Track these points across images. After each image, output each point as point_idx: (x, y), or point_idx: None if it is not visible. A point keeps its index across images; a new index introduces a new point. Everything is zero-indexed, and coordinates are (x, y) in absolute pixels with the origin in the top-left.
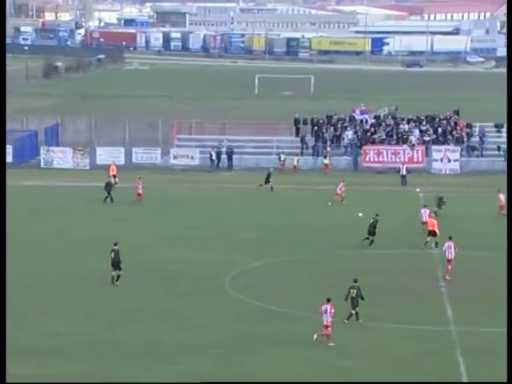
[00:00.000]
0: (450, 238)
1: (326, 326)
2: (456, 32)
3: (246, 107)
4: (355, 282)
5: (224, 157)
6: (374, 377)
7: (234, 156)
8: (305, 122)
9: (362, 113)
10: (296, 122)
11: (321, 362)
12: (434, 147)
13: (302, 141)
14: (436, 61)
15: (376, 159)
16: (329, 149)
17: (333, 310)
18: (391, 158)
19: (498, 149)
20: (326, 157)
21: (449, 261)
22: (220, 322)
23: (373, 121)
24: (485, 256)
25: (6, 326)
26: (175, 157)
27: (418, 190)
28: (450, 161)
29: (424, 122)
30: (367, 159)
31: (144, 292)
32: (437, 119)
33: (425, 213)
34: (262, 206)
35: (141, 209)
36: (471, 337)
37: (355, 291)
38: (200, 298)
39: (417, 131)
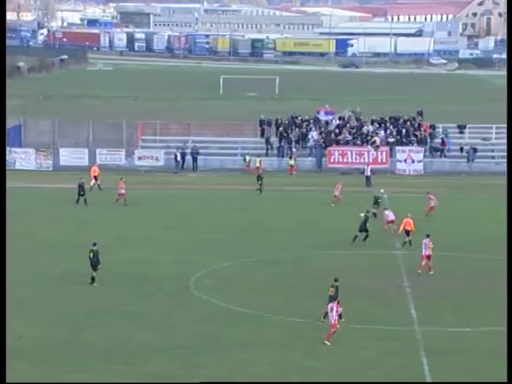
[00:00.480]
0: (428, 236)
1: (333, 325)
2: (419, 34)
3: (210, 108)
4: (335, 280)
5: (189, 158)
6: (338, 377)
7: (199, 157)
8: (269, 123)
9: (326, 114)
10: (261, 122)
11: (286, 363)
12: (397, 148)
13: (267, 142)
14: (400, 62)
15: (341, 160)
16: (294, 150)
17: (340, 309)
18: (356, 159)
19: (461, 150)
20: (291, 158)
21: (427, 257)
22: (185, 323)
23: (337, 122)
24: (448, 256)
25: (5, 326)
26: (140, 158)
27: (382, 190)
28: (413, 162)
29: (388, 124)
30: (332, 160)
31: (109, 294)
32: (401, 120)
33: (389, 213)
34: (227, 207)
35: (105, 210)
36: (435, 337)
37: (333, 290)
38: (165, 299)
39: (381, 132)
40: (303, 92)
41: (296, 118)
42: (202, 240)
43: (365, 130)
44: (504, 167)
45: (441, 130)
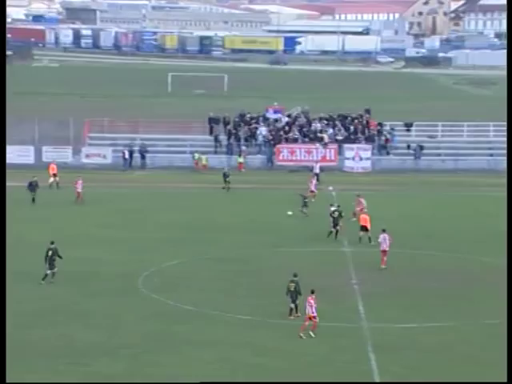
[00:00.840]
0: (384, 231)
1: (309, 318)
2: (366, 32)
3: (159, 106)
4: (295, 276)
5: (137, 156)
6: (287, 375)
7: (147, 155)
8: (218, 121)
9: (275, 112)
10: (210, 120)
11: (235, 361)
12: (346, 146)
13: (216, 139)
14: (347, 60)
15: (289, 158)
16: (243, 147)
17: (312, 301)
18: (304, 157)
19: (408, 147)
20: (240, 155)
21: (384, 252)
22: (133, 321)
23: (286, 119)
24: (395, 253)
25: (5, 326)
26: (87, 155)
27: (330, 188)
28: (361, 159)
29: (336, 121)
30: (281, 157)
31: (56, 293)
32: (349, 118)
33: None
34: (175, 205)
35: (51, 208)
36: (383, 333)
37: (294, 285)
38: (113, 298)
39: (329, 130)
40: (252, 90)
41: (245, 115)
42: (150, 238)
43: (313, 127)
44: (450, 165)
45: (388, 127)
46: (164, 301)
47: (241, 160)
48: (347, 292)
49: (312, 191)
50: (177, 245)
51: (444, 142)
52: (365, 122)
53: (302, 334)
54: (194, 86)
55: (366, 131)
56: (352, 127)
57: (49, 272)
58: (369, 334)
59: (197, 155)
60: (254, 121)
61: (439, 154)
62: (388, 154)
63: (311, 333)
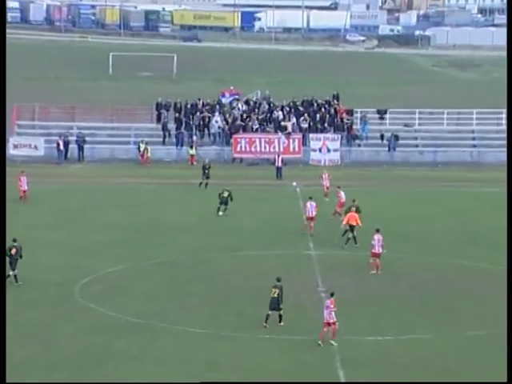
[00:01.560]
0: (378, 231)
1: (328, 324)
2: (334, 7)
3: (99, 90)
4: (278, 280)
5: (73, 146)
6: None
7: (86, 146)
8: (166, 107)
9: (231, 96)
10: (157, 106)
11: (186, 377)
12: (311, 136)
13: (164, 128)
14: (313, 39)
15: (248, 149)
16: (195, 137)
17: (332, 306)
18: (265, 148)
19: (382, 137)
20: (192, 147)
21: (377, 255)
22: (70, 334)
23: (244, 106)
24: (365, 256)
25: (5, 325)
26: (15, 146)
27: (294, 183)
28: (329, 151)
29: (301, 108)
30: (238, 149)
31: None
32: (315, 105)
33: (311, 207)
34: (118, 203)
35: None
36: (353, 346)
37: (277, 291)
38: (48, 308)
39: (293, 118)
40: (205, 72)
41: (197, 102)
42: (89, 241)
43: (275, 115)
44: (428, 157)
45: (359, 115)
46: (104, 312)
47: (192, 152)
48: (313, 300)
49: (327, 187)
50: (120, 248)
51: (422, 132)
52: (333, 109)
53: (320, 343)
54: (139, 68)
55: (335, 119)
56: (318, 115)
57: (11, 273)
58: (337, 347)
59: (142, 146)
60: (207, 107)
61: (416, 145)
62: (359, 145)
63: (332, 341)
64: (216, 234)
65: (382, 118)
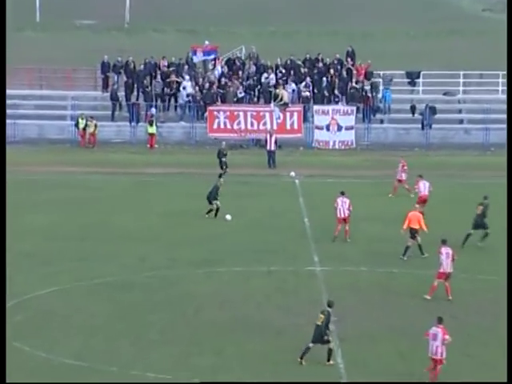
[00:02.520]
0: (445, 242)
1: (435, 360)
2: None
3: (22, 44)
4: (329, 305)
5: None
6: None
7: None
8: (116, 69)
9: (206, 54)
10: (104, 68)
11: None
12: (316, 108)
13: (113, 98)
14: None
15: (228, 126)
16: (154, 110)
17: (446, 337)
18: (252, 125)
19: (413, 110)
20: (151, 123)
21: (446, 276)
22: None
23: (223, 68)
24: (386, 274)
25: (5, 325)
26: None
27: (292, 174)
28: (340, 129)
29: (302, 70)
30: (215, 126)
31: None
32: (321, 65)
33: (344, 205)
34: (49, 200)
35: None
36: None
37: (322, 318)
38: None
39: (291, 84)
40: (169, 20)
41: (159, 61)
42: (10, 253)
43: (266, 80)
44: (477, 136)
45: (381, 80)
46: (32, 352)
47: (152, 130)
48: (303, 331)
49: (400, 180)
50: (53, 262)
51: (468, 102)
52: (346, 70)
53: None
54: (77, 14)
55: (348, 86)
56: (326, 79)
57: None
58: None
59: (83, 122)
60: (172, 69)
61: (461, 121)
62: (382, 121)
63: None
64: (186, 243)
65: (413, 84)
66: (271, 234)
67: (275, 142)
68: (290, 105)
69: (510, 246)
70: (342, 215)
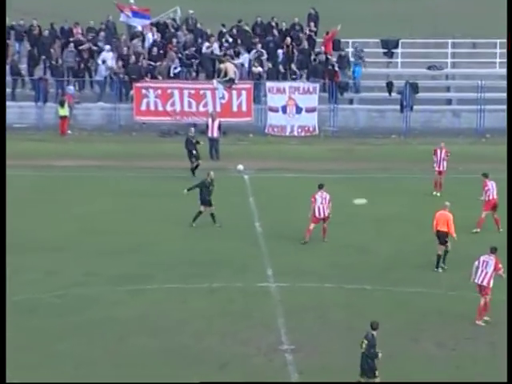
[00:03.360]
0: (494, 251)
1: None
2: None
3: None
4: (373, 327)
5: None
6: None
7: None
8: (19, 36)
9: (136, 16)
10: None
11: None
12: (269, 85)
13: (14, 72)
14: None
15: (160, 108)
16: (71, 88)
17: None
18: (189, 106)
19: (389, 87)
20: (62, 103)
21: (485, 291)
22: None
23: (154, 35)
24: (356, 291)
25: (5, 325)
26: None
27: (240, 167)
28: (300, 111)
29: (252, 38)
30: (143, 108)
31: None
32: (275, 31)
33: (324, 201)
34: None
35: None
36: None
37: (365, 343)
38: None
39: (240, 56)
40: None
41: (71, 26)
42: None
43: (206, 50)
44: (470, 120)
45: (350, 50)
46: None
47: (64, 112)
48: (273, 368)
49: (440, 171)
50: None
51: (458, 78)
52: (306, 39)
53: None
54: None
55: (310, 57)
56: (282, 50)
57: None
58: None
59: None
60: (90, 37)
61: (449, 101)
62: (351, 101)
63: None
64: (106, 254)
65: (389, 55)
66: (214, 242)
67: (218, 128)
68: (236, 81)
69: (510, 247)
70: (322, 215)
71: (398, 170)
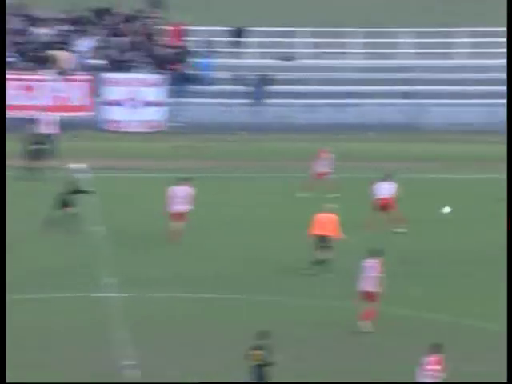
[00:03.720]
0: (377, 254)
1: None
2: None
3: None
4: (262, 337)
5: None
6: None
7: None
8: None
9: None
10: None
11: None
12: (109, 76)
13: None
14: None
15: None
16: None
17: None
18: (18, 99)
19: (239, 80)
20: None
21: (370, 295)
22: None
23: None
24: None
25: (5, 325)
26: None
27: (73, 166)
28: (143, 105)
29: (86, 26)
30: None
31: None
32: (114, 17)
33: (182, 195)
34: None
35: None
36: None
37: (260, 354)
38: None
39: (75, 44)
40: None
41: None
42: None
43: (34, 37)
44: (348, 114)
45: (195, 38)
46: None
47: None
48: None
49: (320, 174)
50: None
51: (312, 70)
52: (149, 25)
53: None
54: None
55: (154, 47)
56: (121, 38)
57: None
58: None
59: None
60: None
61: (304, 95)
62: (197, 94)
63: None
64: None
65: (237, 45)
66: (44, 249)
67: (52, 124)
68: (70, 72)
69: (510, 244)
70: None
71: (247, 168)
